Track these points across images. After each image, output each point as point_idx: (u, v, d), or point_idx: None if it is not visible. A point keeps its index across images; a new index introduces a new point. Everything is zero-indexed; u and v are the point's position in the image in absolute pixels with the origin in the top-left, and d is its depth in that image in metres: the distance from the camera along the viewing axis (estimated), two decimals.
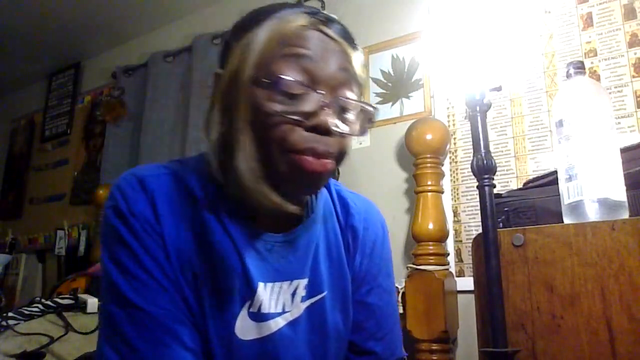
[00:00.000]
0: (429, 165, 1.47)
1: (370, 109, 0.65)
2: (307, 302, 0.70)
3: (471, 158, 1.05)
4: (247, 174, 0.60)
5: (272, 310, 0.66)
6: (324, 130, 0.59)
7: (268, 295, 0.66)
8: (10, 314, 1.36)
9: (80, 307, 1.46)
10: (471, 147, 1.06)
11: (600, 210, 0.94)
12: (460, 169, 1.60)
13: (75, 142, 2.87)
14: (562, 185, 1.01)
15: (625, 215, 0.94)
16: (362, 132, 0.65)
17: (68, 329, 1.34)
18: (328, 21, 0.64)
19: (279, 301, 0.67)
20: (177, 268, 0.62)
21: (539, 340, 0.93)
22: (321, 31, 0.62)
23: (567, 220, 0.99)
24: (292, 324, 0.68)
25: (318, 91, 0.60)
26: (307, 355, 0.69)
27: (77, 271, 1.94)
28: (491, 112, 1.07)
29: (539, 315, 0.93)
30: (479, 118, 1.05)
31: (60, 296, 1.53)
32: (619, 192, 0.95)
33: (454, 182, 1.60)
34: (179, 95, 2.32)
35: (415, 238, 1.44)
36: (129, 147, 2.45)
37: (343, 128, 0.62)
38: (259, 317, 0.65)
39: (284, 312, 0.68)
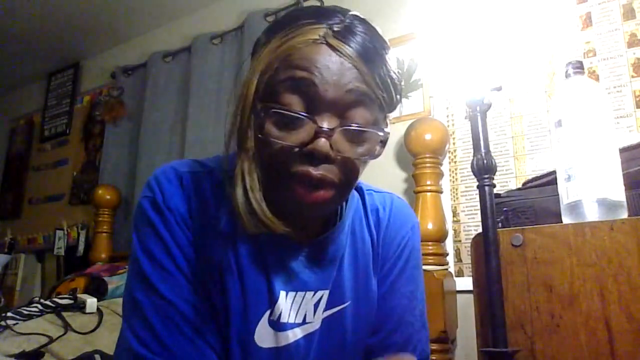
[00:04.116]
0: (428, 165, 1.47)
1: (380, 133, 0.60)
2: (327, 313, 0.69)
3: (470, 158, 1.05)
4: (241, 198, 0.59)
5: (292, 321, 0.66)
6: (321, 157, 0.56)
7: (289, 305, 0.66)
8: (9, 314, 1.36)
9: (79, 307, 1.46)
10: (470, 147, 1.06)
11: (599, 210, 0.94)
12: (460, 169, 1.60)
13: (74, 142, 2.86)
14: (561, 185, 1.01)
15: (624, 215, 0.94)
16: (372, 155, 0.60)
17: (67, 328, 1.34)
18: (345, 32, 0.58)
19: (300, 311, 0.67)
20: (204, 267, 0.63)
21: (538, 340, 0.93)
22: (331, 46, 0.57)
23: (566, 220, 0.99)
24: (310, 335, 0.68)
25: (315, 118, 0.56)
26: None
27: (76, 271, 1.94)
28: (491, 112, 1.07)
29: (538, 315, 0.94)
30: (479, 118, 1.05)
31: (59, 296, 1.53)
32: (618, 192, 0.95)
33: (453, 182, 1.60)
34: (178, 95, 2.32)
35: None
36: (128, 147, 2.45)
37: (346, 153, 0.58)
38: (278, 326, 0.65)
39: (304, 322, 0.67)
